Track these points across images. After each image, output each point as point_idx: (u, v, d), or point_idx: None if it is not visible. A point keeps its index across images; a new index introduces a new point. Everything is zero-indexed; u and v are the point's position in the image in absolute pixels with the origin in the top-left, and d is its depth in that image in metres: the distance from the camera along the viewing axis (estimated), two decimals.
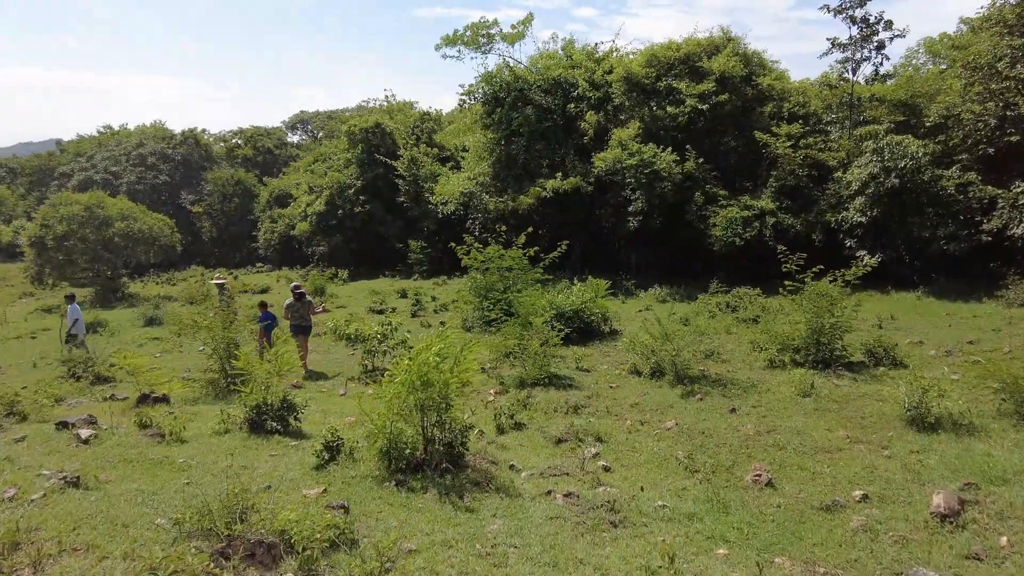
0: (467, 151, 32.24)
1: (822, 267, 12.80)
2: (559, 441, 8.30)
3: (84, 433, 6.90)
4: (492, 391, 10.93)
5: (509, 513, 5.63)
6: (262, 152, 59.92)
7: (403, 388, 6.11)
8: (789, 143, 22.39)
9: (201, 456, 6.66)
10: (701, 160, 23.55)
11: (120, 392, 11.26)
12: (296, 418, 8.00)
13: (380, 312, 20.33)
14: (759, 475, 7.08)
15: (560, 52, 29.19)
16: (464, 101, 28.25)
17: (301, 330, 13.60)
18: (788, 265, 12.83)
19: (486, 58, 28.50)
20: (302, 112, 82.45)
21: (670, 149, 23.30)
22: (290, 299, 13.88)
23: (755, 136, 22.92)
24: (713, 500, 6.34)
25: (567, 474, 6.92)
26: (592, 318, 15.38)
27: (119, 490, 5.48)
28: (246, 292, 30.53)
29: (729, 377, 11.41)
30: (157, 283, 39.71)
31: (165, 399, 9.62)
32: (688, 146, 23.72)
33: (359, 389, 11.52)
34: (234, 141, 62.45)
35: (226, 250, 52.11)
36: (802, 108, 24.35)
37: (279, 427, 7.71)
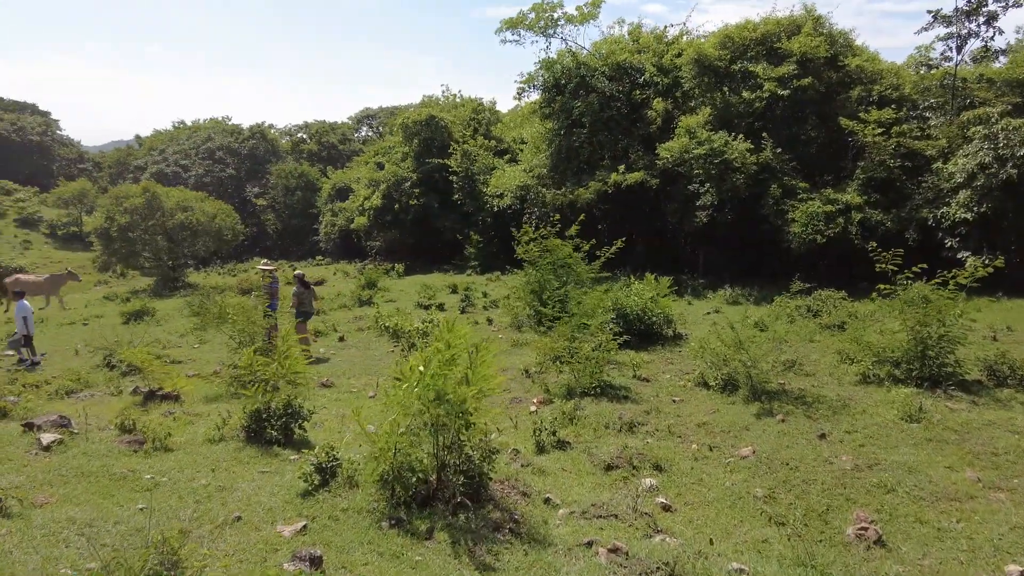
0: (525, 143, 30.98)
1: (925, 266, 10.88)
2: (609, 467, 6.91)
3: (47, 438, 6.05)
4: (535, 400, 9.62)
5: (534, 575, 4.32)
6: (326, 147, 60.48)
7: (410, 399, 4.88)
8: (880, 130, 20.03)
9: (177, 470, 5.67)
10: (779, 150, 21.45)
11: (147, 385, 10.58)
12: (301, 426, 6.92)
13: (428, 307, 19.34)
14: (864, 528, 5.50)
15: (626, 37, 27.49)
16: (523, 90, 26.92)
17: (307, 316, 13.72)
18: (884, 264, 10.94)
19: (549, 43, 27.01)
20: (367, 109, 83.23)
21: (743, 137, 21.32)
22: (297, 287, 13.51)
23: (840, 123, 20.66)
24: (806, 564, 4.84)
25: (615, 516, 5.54)
26: (653, 320, 13.81)
27: (47, 518, 4.51)
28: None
29: (814, 393, 9.71)
30: (219, 274, 40.29)
31: (174, 397, 8.77)
32: (764, 134, 21.67)
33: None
34: (299, 136, 63.33)
35: (289, 243, 52.78)
36: (895, 91, 21.84)
37: (280, 437, 6.66)
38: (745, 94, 22.22)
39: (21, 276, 25.33)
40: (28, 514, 4.60)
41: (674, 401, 9.61)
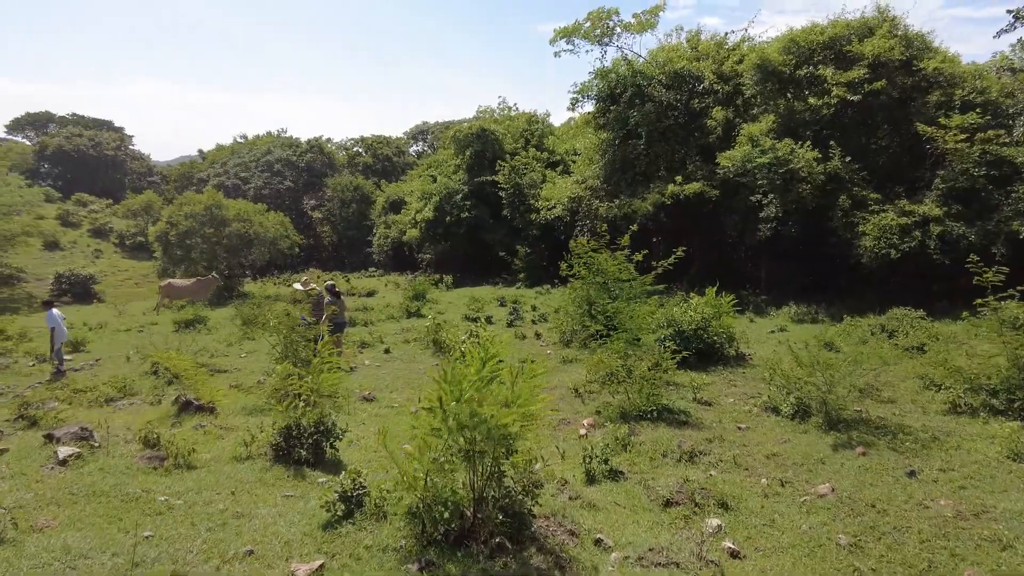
0: (578, 154, 30.41)
1: None
2: (668, 503, 6.19)
3: (64, 452, 5.77)
4: (585, 422, 8.94)
5: None
6: (381, 160, 61.35)
7: (438, 423, 4.31)
8: (962, 137, 18.55)
9: (195, 492, 5.27)
10: (848, 158, 20.18)
11: (186, 394, 10.41)
12: (333, 445, 6.46)
13: (475, 320, 18.88)
14: None
15: (684, 44, 26.64)
16: (577, 100, 26.34)
17: (339, 327, 13.41)
18: (985, 279, 9.82)
19: (604, 51, 26.40)
20: (423, 123, 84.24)
21: (810, 145, 20.15)
22: (328, 298, 13.32)
23: (918, 129, 19.25)
24: None
25: (676, 564, 4.84)
26: (715, 339, 12.92)
27: (41, 545, 4.15)
28: (353, 295, 30.42)
29: (897, 423, 8.70)
30: (275, 284, 41.03)
31: (209, 408, 8.48)
32: (832, 143, 20.43)
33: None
34: (355, 149, 64.52)
35: (344, 254, 53.62)
36: (979, 95, 20.23)
37: (310, 456, 6.21)
38: (812, 100, 21.06)
39: (174, 281, 26.39)
40: (22, 540, 4.27)
41: (739, 428, 8.77)
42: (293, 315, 10.67)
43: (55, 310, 14.44)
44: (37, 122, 79.25)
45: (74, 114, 78.64)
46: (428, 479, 4.46)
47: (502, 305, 22.63)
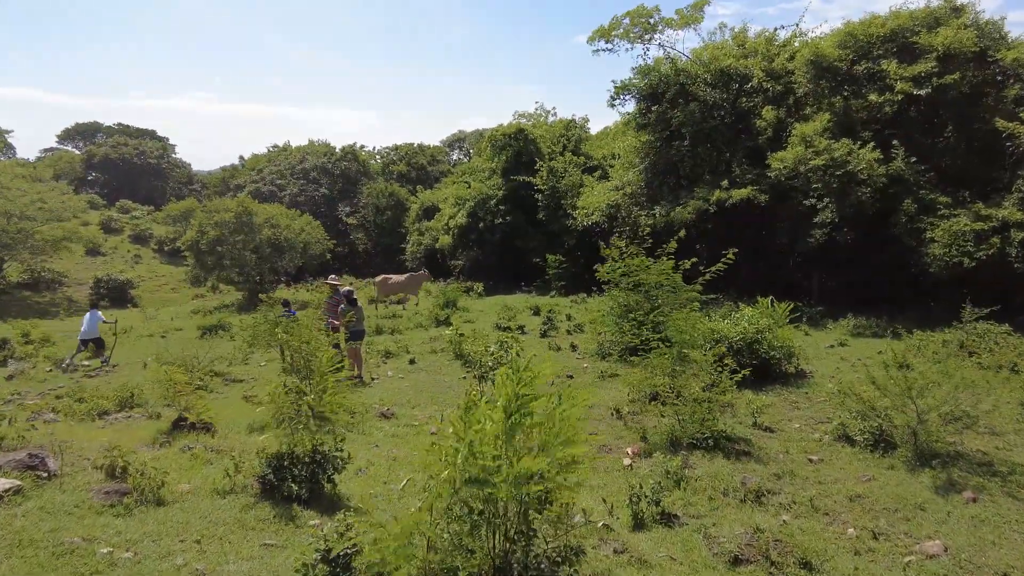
0: (616, 158, 29.18)
1: None
2: (736, 560, 5.01)
3: (2, 485, 4.85)
4: (630, 450, 7.78)
5: None
6: (415, 168, 61.04)
7: (446, 495, 3.25)
8: None
9: (152, 539, 4.32)
10: (913, 159, 18.56)
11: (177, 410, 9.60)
12: (331, 478, 5.44)
13: (506, 329, 17.82)
14: None
15: (730, 42, 25.26)
16: (615, 98, 25.11)
17: (357, 335, 12.54)
18: None
19: (646, 49, 25.09)
20: (459, 132, 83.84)
21: (872, 145, 18.59)
22: (344, 304, 12.57)
23: (997, 125, 17.57)
24: None
25: None
26: (772, 353, 11.59)
27: None
28: (384, 302, 29.74)
29: (1006, 460, 7.32)
30: (308, 290, 40.71)
31: (204, 427, 7.57)
32: (895, 142, 18.84)
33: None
34: (390, 157, 64.43)
35: (379, 261, 53.33)
36: None
37: (303, 492, 5.20)
38: (872, 97, 19.49)
39: (390, 277, 26.89)
40: None
41: (811, 461, 7.49)
42: (305, 321, 9.77)
43: (97, 311, 16.60)
44: (86, 132, 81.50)
45: (120, 124, 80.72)
46: (431, 542, 3.41)
47: (535, 314, 21.53)
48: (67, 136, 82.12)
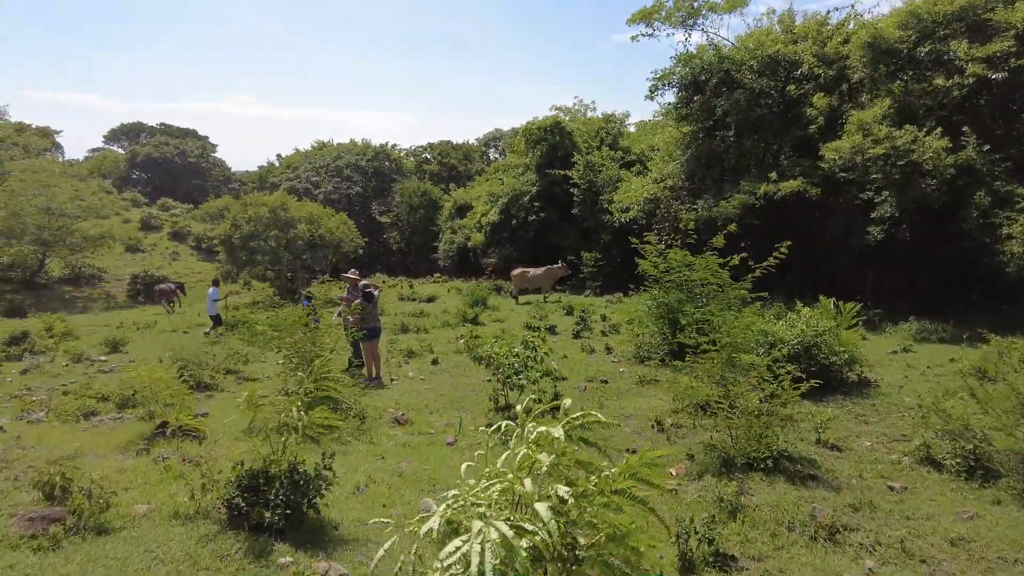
0: (656, 150, 27.88)
1: None
2: None
3: None
4: (675, 470, 6.70)
5: None
6: (447, 167, 60.49)
7: None
8: None
9: None
10: (987, 147, 16.91)
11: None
12: (311, 504, 4.52)
13: (536, 330, 16.82)
14: None
15: (776, 28, 23.77)
16: (656, 87, 23.82)
17: (374, 333, 11.72)
18: None
19: (688, 35, 23.71)
20: (495, 130, 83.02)
21: (939, 132, 17.00)
22: (359, 301, 11.65)
23: None
24: None
25: None
26: (832, 360, 10.32)
27: None
28: (414, 300, 29.05)
29: None
30: (339, 288, 40.39)
31: (191, 433, 6.76)
32: (965, 128, 17.20)
33: (480, 437, 7.98)
34: (424, 156, 64.05)
35: (412, 260, 52.97)
36: None
37: (277, 520, 4.29)
38: (938, 81, 17.87)
39: (528, 270, 26.74)
40: None
41: (891, 489, 6.29)
42: (299, 317, 8.98)
43: (213, 289, 19.20)
44: (131, 132, 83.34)
45: (163, 124, 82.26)
46: None
47: (568, 314, 20.47)
48: (113, 137, 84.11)
